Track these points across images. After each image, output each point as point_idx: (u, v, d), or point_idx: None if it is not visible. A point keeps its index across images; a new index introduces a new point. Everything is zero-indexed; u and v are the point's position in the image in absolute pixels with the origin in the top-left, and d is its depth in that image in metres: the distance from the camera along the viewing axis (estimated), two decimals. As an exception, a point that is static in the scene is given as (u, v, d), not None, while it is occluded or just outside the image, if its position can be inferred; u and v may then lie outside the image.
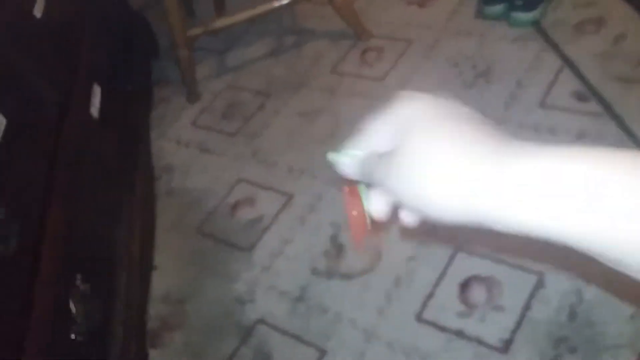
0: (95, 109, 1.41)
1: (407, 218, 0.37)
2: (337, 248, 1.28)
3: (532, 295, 1.09)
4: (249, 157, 1.56)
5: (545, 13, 1.58)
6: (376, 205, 0.38)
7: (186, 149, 1.66)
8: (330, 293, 1.21)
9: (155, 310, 1.32)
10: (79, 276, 1.11)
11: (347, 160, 0.38)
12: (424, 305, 1.14)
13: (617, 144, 1.23)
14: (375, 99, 1.57)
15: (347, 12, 1.72)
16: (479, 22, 1.65)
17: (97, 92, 1.44)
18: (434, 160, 0.31)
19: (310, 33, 1.85)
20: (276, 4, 1.71)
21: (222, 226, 1.42)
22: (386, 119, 0.36)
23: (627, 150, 0.27)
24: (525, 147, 0.30)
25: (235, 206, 1.46)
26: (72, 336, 1.04)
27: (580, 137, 1.28)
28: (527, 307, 1.08)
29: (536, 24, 1.57)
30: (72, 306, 1.07)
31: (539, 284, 1.10)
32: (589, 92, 1.36)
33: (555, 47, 1.50)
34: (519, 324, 1.06)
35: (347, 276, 1.23)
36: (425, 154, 0.32)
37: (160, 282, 1.36)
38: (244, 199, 1.46)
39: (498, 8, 1.60)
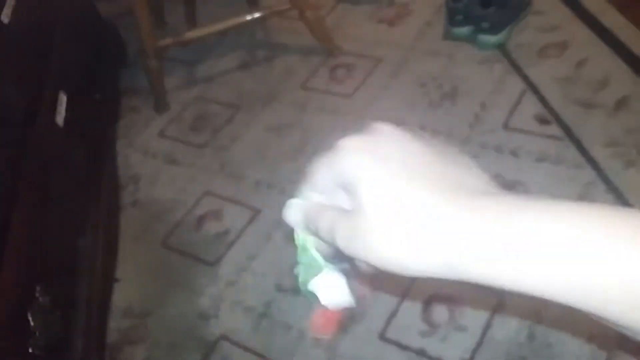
0: (60, 117, 1.39)
1: (367, 268, 0.34)
2: (302, 264, 1.28)
3: (492, 315, 1.11)
4: (217, 170, 1.56)
5: (510, 36, 1.62)
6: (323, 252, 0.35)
7: (153, 160, 1.65)
8: (295, 310, 1.22)
9: (117, 323, 1.30)
10: (38, 288, 1.09)
11: (293, 207, 0.35)
12: (387, 323, 1.15)
13: (576, 167, 1.27)
14: (343, 115, 1.59)
15: (318, 28, 1.74)
16: (446, 43, 1.68)
17: (63, 100, 1.43)
18: (403, 211, 0.28)
19: (281, 47, 1.86)
20: (248, 18, 1.72)
21: (187, 239, 1.42)
22: (336, 162, 0.32)
23: (609, 207, 0.27)
24: (501, 199, 0.28)
25: (201, 219, 1.45)
26: (30, 350, 1.02)
27: (541, 160, 1.31)
28: (487, 326, 1.10)
29: (501, 47, 1.61)
30: (30, 319, 1.05)
31: (500, 305, 1.12)
32: (550, 116, 1.40)
33: (519, 70, 1.54)
34: (479, 344, 1.08)
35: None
36: (390, 206, 0.29)
37: (123, 295, 1.34)
38: (211, 212, 1.46)
39: (465, 30, 1.64)
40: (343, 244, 0.31)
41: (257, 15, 1.73)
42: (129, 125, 1.78)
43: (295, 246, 0.36)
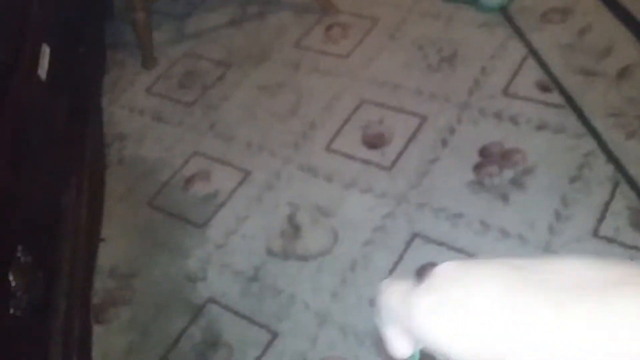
0: (43, 70, 1.33)
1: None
2: (294, 228, 1.25)
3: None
4: (206, 130, 1.51)
5: None
6: None
7: (140, 117, 1.60)
8: (285, 274, 1.19)
9: (101, 284, 1.27)
10: (20, 247, 1.05)
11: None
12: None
13: (576, 137, 1.25)
14: (338, 76, 1.54)
15: (314, -16, 1.67)
16: (446, 4, 1.62)
17: (45, 52, 1.36)
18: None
19: (274, 3, 1.79)
20: (241, -29, 1.65)
21: (175, 200, 1.38)
22: (413, 327, 0.29)
23: None
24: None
25: (189, 180, 1.41)
26: (11, 311, 0.99)
27: (541, 128, 1.28)
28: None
29: (503, 10, 1.56)
30: (11, 279, 1.01)
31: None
32: (551, 83, 1.36)
33: (520, 35, 1.49)
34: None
35: (303, 257, 1.21)
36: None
37: (108, 255, 1.31)
38: (199, 172, 1.42)
39: (467, -9, 1.59)
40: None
41: (250, -32, 1.65)
42: (115, 80, 1.72)
43: None
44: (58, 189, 1.25)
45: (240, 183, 1.36)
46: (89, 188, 1.36)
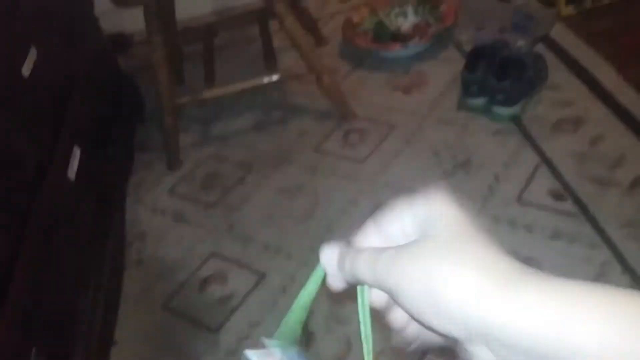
0: (72, 171, 1.39)
1: (397, 322, 0.37)
2: (306, 335, 1.24)
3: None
4: (225, 231, 1.54)
5: (525, 109, 1.62)
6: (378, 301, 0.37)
7: (161, 217, 1.64)
8: (296, 383, 1.17)
9: (112, 388, 1.26)
10: (34, 349, 1.06)
11: (329, 248, 0.38)
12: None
13: (591, 246, 1.24)
14: (355, 180, 1.58)
15: (334, 92, 1.75)
16: (461, 113, 1.68)
17: (76, 154, 1.43)
18: (479, 258, 0.30)
19: (296, 110, 1.88)
20: (266, 80, 1.74)
21: (190, 302, 1.39)
22: (407, 210, 0.35)
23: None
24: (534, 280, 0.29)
25: (205, 281, 1.43)
26: (19, 416, 0.99)
27: (556, 237, 1.28)
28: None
29: (516, 119, 1.61)
30: (23, 383, 1.02)
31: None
32: (565, 192, 1.38)
33: (533, 143, 1.53)
34: None
35: (315, 366, 1.19)
36: (472, 247, 0.31)
37: (119, 359, 1.30)
38: (216, 274, 1.43)
39: (480, 101, 1.65)
40: (384, 269, 0.33)
41: (274, 78, 1.75)
42: (140, 181, 1.78)
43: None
44: (77, 289, 1.27)
45: (255, 286, 1.37)
46: (106, 289, 1.38)
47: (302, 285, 1.19)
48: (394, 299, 0.34)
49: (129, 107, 1.94)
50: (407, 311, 0.33)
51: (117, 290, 1.43)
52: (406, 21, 2.00)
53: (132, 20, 2.22)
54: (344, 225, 1.46)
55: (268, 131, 1.84)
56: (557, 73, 1.72)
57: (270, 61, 1.96)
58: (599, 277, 1.18)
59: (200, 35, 2.10)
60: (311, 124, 1.81)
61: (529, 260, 1.24)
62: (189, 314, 1.36)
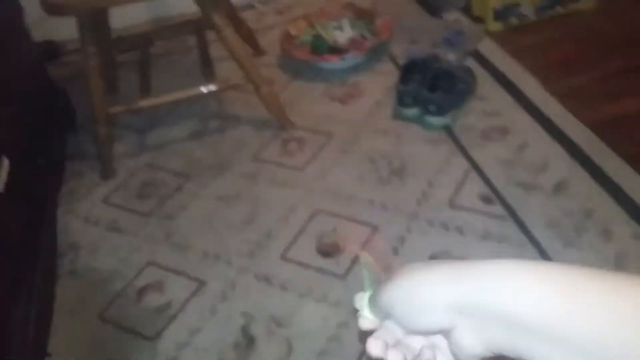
0: (1, 183, 1.34)
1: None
2: (247, 339, 1.24)
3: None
4: (162, 240, 1.52)
5: (456, 119, 1.69)
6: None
7: (95, 227, 1.60)
8: (237, 388, 1.16)
9: (44, 403, 1.21)
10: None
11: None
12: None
13: (519, 246, 1.31)
14: (294, 188, 1.60)
15: (272, 102, 1.77)
16: (395, 122, 1.74)
17: (5, 165, 1.38)
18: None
19: (235, 119, 1.88)
20: (203, 90, 1.74)
21: (126, 312, 1.35)
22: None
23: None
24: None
25: (142, 291, 1.40)
26: None
27: (485, 238, 1.35)
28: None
29: (448, 128, 1.68)
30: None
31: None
32: (493, 195, 1.45)
33: (463, 151, 1.60)
34: None
35: (256, 370, 1.19)
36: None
37: (53, 372, 1.26)
38: (153, 283, 1.41)
39: (413, 111, 1.71)
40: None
41: (212, 88, 1.75)
42: (72, 191, 1.73)
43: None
44: (7, 301, 1.22)
45: (194, 293, 1.36)
46: (38, 300, 1.33)
47: (243, 290, 1.21)
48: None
49: (59, 116, 1.89)
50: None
51: (49, 302, 1.38)
52: (343, 34, 2.05)
53: (63, 29, 2.17)
54: (283, 231, 1.47)
55: (205, 140, 1.83)
56: (486, 85, 1.81)
57: (207, 71, 1.96)
58: (527, 274, 1.24)
59: (136, 44, 2.07)
60: (249, 133, 1.82)
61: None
62: (125, 324, 1.33)
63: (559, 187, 1.44)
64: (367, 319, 0.47)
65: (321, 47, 2.01)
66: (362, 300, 0.47)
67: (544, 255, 1.28)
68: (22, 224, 1.41)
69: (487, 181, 1.49)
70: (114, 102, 1.73)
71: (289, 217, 1.51)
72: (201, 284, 1.38)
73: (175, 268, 1.43)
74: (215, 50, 2.00)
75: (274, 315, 1.27)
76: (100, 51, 1.64)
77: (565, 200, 1.40)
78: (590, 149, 1.53)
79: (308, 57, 2.01)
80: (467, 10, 2.16)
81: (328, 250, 1.40)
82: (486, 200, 1.44)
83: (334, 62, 1.98)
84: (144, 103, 1.74)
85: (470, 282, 0.37)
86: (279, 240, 1.45)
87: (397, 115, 1.75)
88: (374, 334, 0.46)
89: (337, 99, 1.89)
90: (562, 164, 1.50)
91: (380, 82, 1.92)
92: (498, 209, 1.41)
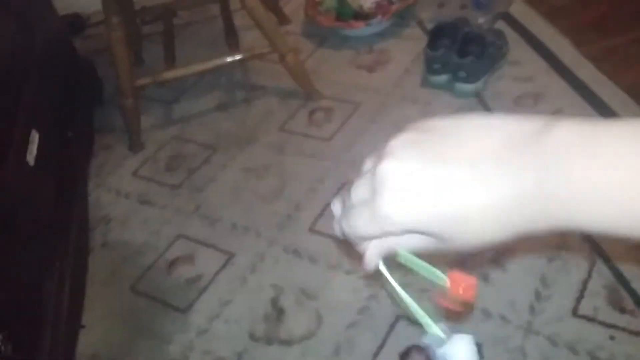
0: (31, 156, 1.35)
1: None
2: (277, 311, 1.25)
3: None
4: (191, 212, 1.53)
5: (487, 85, 1.65)
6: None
7: (125, 200, 1.61)
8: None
9: (81, 372, 1.24)
10: (1, 337, 1.04)
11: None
12: (364, 374, 1.12)
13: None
14: (321, 158, 1.58)
15: (298, 71, 1.74)
16: (424, 90, 1.70)
17: (35, 138, 1.39)
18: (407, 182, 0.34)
19: (260, 89, 1.86)
20: (228, 60, 1.72)
21: (158, 284, 1.37)
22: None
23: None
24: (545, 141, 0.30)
25: (173, 263, 1.41)
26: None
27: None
28: (465, 379, 1.07)
29: (478, 95, 1.63)
30: (-12, 370, 0.99)
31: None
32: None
33: (496, 119, 1.55)
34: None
35: (287, 342, 1.19)
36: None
37: (88, 342, 1.29)
38: (183, 255, 1.42)
39: (443, 78, 1.66)
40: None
41: (237, 57, 1.73)
42: (101, 164, 1.74)
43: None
44: (41, 274, 1.24)
45: (224, 265, 1.37)
46: (71, 273, 1.35)
47: (272, 262, 1.19)
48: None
49: (86, 89, 1.89)
50: None
51: (82, 275, 1.41)
52: (368, -1, 2.00)
53: (88, 1, 2.16)
54: (311, 203, 1.46)
55: (232, 111, 1.82)
56: (517, 49, 1.75)
57: (232, 40, 1.93)
58: (561, 245, 1.21)
59: (159, 14, 2.05)
60: (276, 103, 1.80)
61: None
62: (157, 296, 1.34)
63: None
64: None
65: (346, 13, 1.97)
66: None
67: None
68: (53, 197, 1.42)
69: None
70: (140, 74, 1.73)
71: (317, 189, 1.50)
72: (231, 256, 1.39)
73: (204, 240, 1.44)
74: (239, 19, 1.97)
75: (303, 288, 1.28)
76: (125, 22, 1.63)
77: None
78: (625, 113, 1.47)
79: (333, 24, 1.97)
80: (498, -30, 2.08)
81: (357, 222, 1.39)
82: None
83: (359, 28, 1.93)
84: (170, 74, 1.73)
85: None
86: (308, 212, 1.44)
87: (426, 83, 1.71)
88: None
89: (364, 66, 1.86)
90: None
91: (408, 48, 1.87)
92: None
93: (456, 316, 0.39)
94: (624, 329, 1.06)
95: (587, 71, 1.62)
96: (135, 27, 1.99)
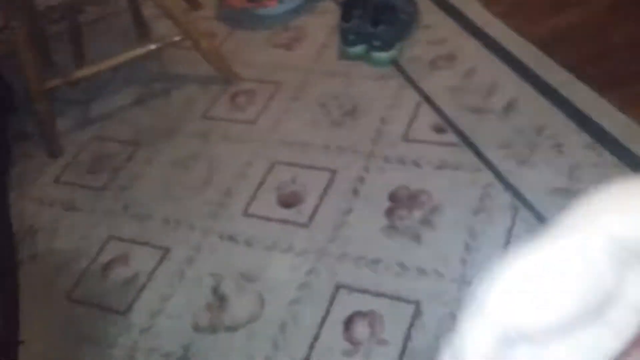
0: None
1: None
2: (219, 299, 1.25)
3: (411, 325, 1.12)
4: (120, 212, 1.49)
5: (402, 51, 1.67)
6: None
7: (50, 208, 1.56)
8: (216, 348, 1.17)
9: (24, 389, 1.20)
10: None
11: None
12: (311, 347, 1.14)
13: (474, 170, 1.32)
14: (248, 141, 1.58)
15: (214, 56, 1.72)
16: (343, 62, 1.71)
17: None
18: None
19: (179, 79, 1.83)
20: (140, 51, 1.68)
21: (94, 289, 1.34)
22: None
23: None
24: None
25: (107, 266, 1.38)
26: None
27: (441, 167, 1.36)
28: (407, 337, 1.11)
29: (395, 62, 1.66)
30: None
31: (417, 313, 1.13)
32: (446, 124, 1.45)
33: (413, 83, 1.59)
34: (401, 356, 1.09)
35: (232, 328, 1.20)
36: None
37: (29, 358, 1.24)
38: (117, 257, 1.39)
39: (358, 49, 1.68)
40: None
41: (150, 47, 1.69)
42: (21, 173, 1.67)
43: None
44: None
45: (160, 261, 1.35)
46: (2, 290, 1.30)
47: (209, 252, 1.18)
48: None
49: (-4, 98, 1.80)
50: None
51: (14, 290, 1.35)
52: (279, -23, 1.98)
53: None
54: (242, 188, 1.46)
55: (152, 104, 1.78)
56: (429, 14, 1.78)
57: (142, 31, 1.88)
58: (484, 197, 1.26)
59: (64, 13, 1.97)
60: (196, 91, 1.77)
61: (421, 192, 1.31)
62: (95, 301, 1.31)
63: (509, 108, 1.45)
64: None
65: (258, -7, 1.94)
66: None
67: (499, 177, 1.29)
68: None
69: (438, 111, 1.49)
70: (50, 76, 1.66)
71: (247, 172, 1.49)
72: (166, 251, 1.37)
73: (137, 239, 1.41)
74: (148, 9, 1.92)
75: (242, 272, 1.28)
76: (28, 25, 1.56)
77: (516, 120, 1.41)
78: (536, 65, 1.53)
79: (245, 5, 1.94)
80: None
81: (289, 201, 1.40)
82: (439, 129, 1.44)
83: (272, 7, 1.92)
84: (81, 73, 1.67)
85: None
86: (239, 197, 1.44)
87: (343, 55, 1.72)
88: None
89: (281, 45, 1.85)
90: (510, 85, 1.50)
91: (323, 23, 1.87)
92: (451, 137, 1.42)
93: None
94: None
95: (496, 28, 1.67)
96: (40, 28, 1.90)
